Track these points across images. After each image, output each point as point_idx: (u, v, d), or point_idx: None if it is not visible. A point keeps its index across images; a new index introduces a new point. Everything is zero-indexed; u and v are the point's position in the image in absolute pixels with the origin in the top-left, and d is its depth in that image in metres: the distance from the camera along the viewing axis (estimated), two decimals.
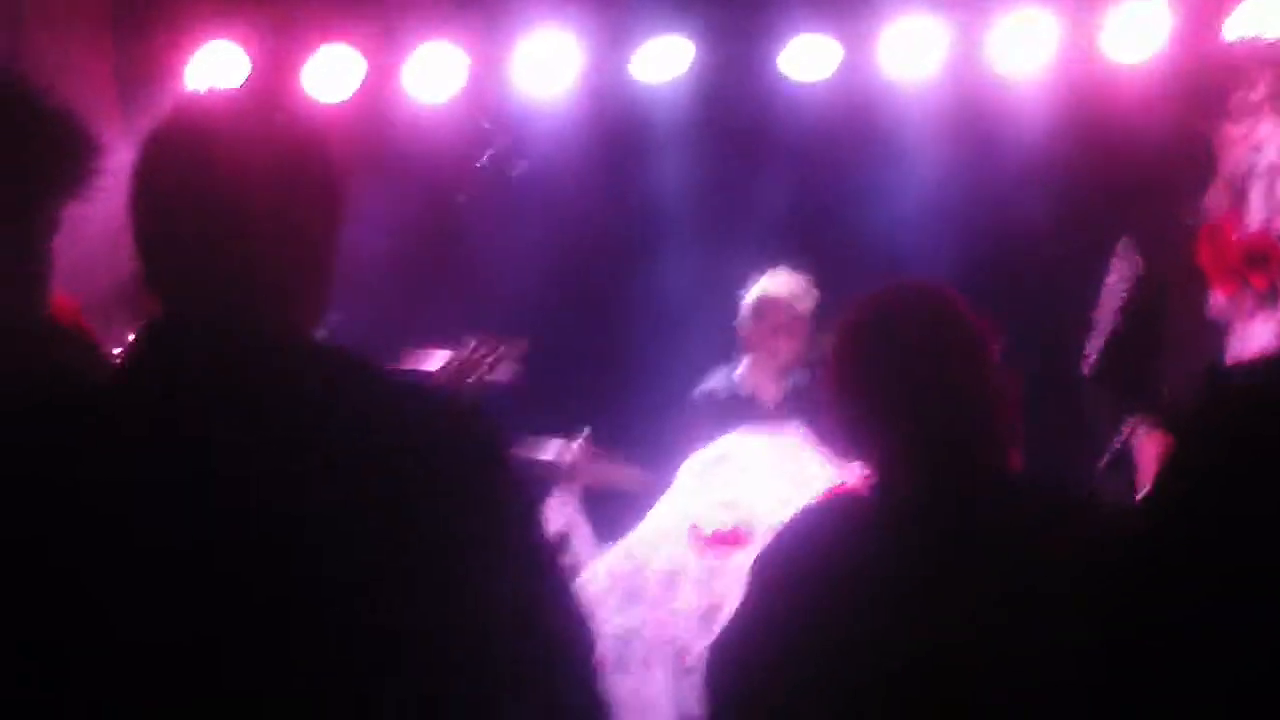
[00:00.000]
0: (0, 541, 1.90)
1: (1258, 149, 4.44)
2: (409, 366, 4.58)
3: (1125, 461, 4.57)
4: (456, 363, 4.56)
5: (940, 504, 2.71)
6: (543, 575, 2.04)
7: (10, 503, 1.91)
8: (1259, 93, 4.42)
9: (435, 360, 5.27)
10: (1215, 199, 4.62)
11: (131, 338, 2.08)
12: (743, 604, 2.84)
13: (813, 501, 3.98)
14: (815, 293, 6.24)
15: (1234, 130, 4.48)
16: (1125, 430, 4.55)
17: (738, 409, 6.15)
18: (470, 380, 4.53)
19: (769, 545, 2.88)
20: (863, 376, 2.81)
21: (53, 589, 1.88)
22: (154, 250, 2.03)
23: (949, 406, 2.74)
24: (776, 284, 6.25)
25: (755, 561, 2.87)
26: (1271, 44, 4.66)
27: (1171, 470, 2.28)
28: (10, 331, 2.53)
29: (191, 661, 1.86)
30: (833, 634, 2.65)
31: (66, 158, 2.56)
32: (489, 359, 4.61)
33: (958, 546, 2.66)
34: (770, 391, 6.31)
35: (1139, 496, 4.39)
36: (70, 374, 2.50)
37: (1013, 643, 2.58)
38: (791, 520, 2.90)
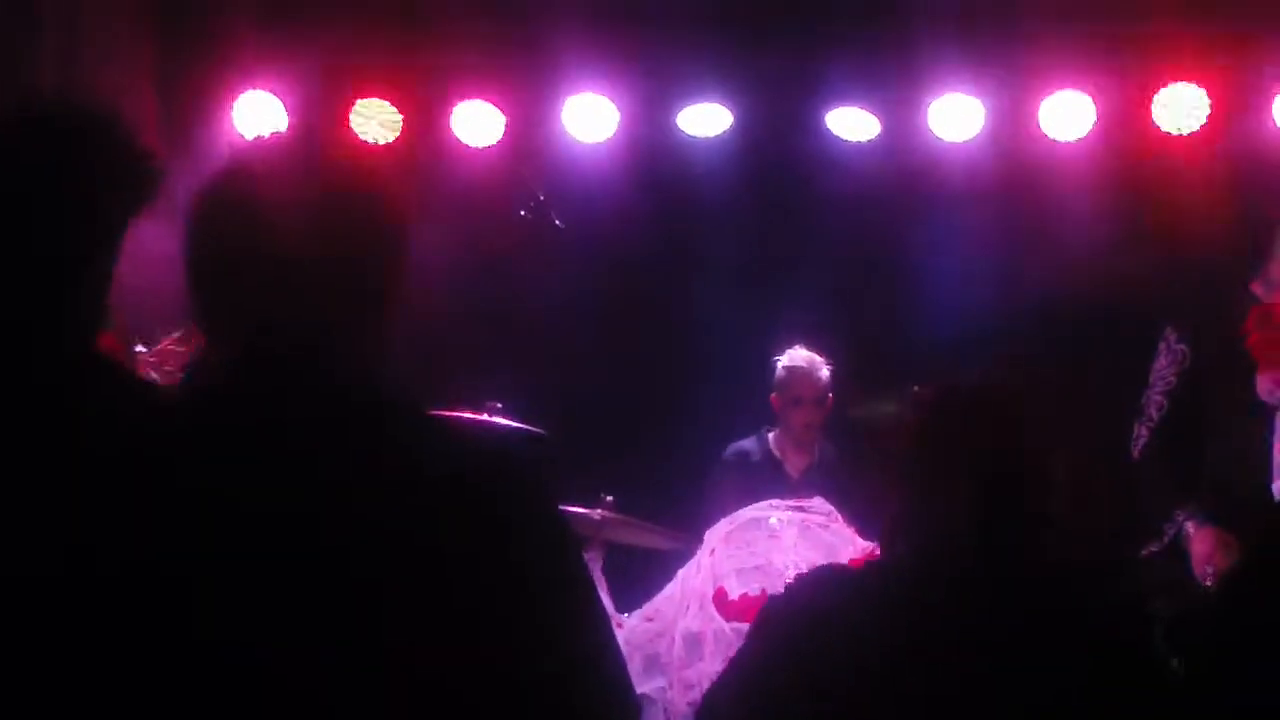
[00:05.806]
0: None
1: None
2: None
3: (1176, 550, 4.50)
4: None
5: (953, 577, 2.76)
6: (585, 607, 2.04)
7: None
8: None
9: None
10: (1268, 282, 4.56)
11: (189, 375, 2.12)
12: (739, 654, 2.87)
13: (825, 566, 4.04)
14: (828, 368, 6.28)
15: None
16: (1177, 519, 4.49)
17: (767, 473, 6.19)
18: None
19: (773, 600, 2.92)
20: (922, 466, 2.89)
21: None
22: (213, 296, 2.04)
23: (992, 491, 2.80)
24: (795, 358, 6.31)
25: (759, 614, 2.90)
26: None
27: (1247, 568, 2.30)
28: (100, 358, 2.52)
29: (237, 676, 1.86)
30: (825, 690, 2.66)
31: (139, 182, 2.51)
32: None
33: (966, 620, 2.70)
34: (796, 461, 6.36)
35: (1200, 588, 4.33)
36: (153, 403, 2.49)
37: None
38: (799, 578, 2.95)
